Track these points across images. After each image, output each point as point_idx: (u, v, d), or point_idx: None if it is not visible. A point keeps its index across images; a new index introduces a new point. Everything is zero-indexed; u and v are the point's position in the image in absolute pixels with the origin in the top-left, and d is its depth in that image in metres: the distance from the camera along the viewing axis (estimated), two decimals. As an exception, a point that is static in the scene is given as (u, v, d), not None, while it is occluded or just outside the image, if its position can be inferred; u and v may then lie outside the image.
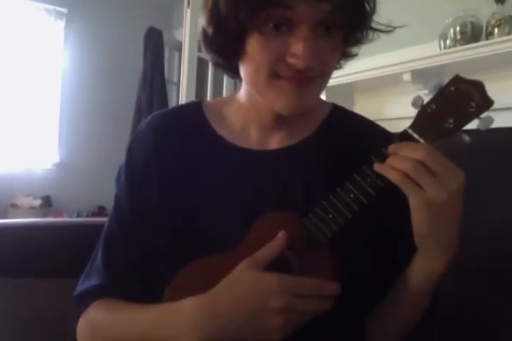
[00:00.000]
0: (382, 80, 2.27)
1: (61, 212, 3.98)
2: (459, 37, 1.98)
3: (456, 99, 0.53)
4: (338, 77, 2.51)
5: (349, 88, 2.58)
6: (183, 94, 2.62)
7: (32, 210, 3.77)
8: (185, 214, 0.65)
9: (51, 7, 4.02)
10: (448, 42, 2.04)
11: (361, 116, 0.75)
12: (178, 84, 4.14)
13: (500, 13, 1.86)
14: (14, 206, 3.76)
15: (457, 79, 0.53)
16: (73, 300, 0.70)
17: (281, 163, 0.66)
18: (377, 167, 0.53)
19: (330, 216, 0.56)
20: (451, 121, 0.53)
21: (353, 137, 0.69)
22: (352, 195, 0.55)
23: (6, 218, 3.50)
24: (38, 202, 3.85)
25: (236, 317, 0.53)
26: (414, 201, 0.51)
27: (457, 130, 0.53)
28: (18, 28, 3.89)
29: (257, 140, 0.68)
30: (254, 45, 0.57)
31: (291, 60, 0.56)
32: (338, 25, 0.58)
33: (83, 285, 0.70)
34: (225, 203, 0.65)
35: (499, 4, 1.87)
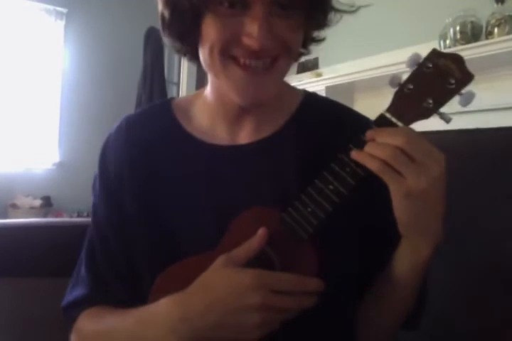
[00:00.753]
0: (383, 80, 2.26)
1: (61, 212, 3.99)
2: (459, 36, 1.99)
3: (434, 76, 0.49)
4: (339, 77, 2.53)
5: (349, 87, 2.57)
6: (183, 93, 2.62)
7: (32, 210, 3.77)
8: (160, 216, 0.64)
9: (51, 7, 4.03)
10: (448, 41, 2.05)
11: (336, 103, 0.72)
12: (178, 84, 4.16)
13: (500, 12, 1.87)
14: (14, 206, 3.77)
15: (434, 54, 0.50)
16: (62, 312, 0.69)
17: (253, 158, 0.64)
18: (354, 155, 0.50)
19: (309, 210, 0.53)
20: (430, 100, 0.50)
21: (329, 125, 0.66)
22: (331, 187, 0.52)
23: (6, 218, 3.50)
24: (38, 202, 3.86)
25: (209, 317, 0.50)
26: (394, 189, 0.49)
27: (437, 109, 0.50)
28: (18, 29, 3.90)
29: (226, 135, 0.66)
30: (209, 26, 0.55)
31: (246, 41, 0.54)
32: (296, 5, 0.55)
33: (70, 295, 0.68)
34: (198, 201, 0.63)
35: (499, 4, 1.88)
